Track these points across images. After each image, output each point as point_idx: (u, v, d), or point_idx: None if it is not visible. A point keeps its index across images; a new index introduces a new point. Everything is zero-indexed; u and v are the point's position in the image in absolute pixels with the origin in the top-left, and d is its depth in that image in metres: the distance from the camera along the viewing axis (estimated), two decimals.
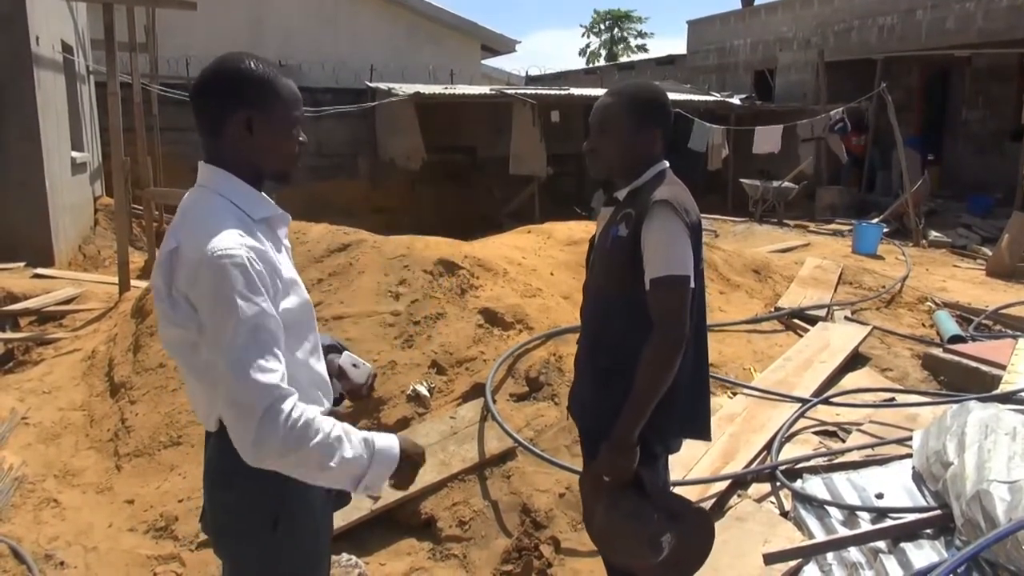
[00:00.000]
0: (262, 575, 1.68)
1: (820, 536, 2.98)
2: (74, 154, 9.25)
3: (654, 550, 2.00)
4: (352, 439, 1.53)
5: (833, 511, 3.12)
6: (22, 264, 7.14)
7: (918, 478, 3.16)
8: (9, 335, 5.36)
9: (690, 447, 2.55)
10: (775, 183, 12.89)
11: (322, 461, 1.49)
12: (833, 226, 12.17)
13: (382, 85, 13.96)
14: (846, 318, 5.69)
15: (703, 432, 2.23)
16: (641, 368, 1.97)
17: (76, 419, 4.05)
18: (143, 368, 4.30)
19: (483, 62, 19.22)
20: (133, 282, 6.51)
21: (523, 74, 22.83)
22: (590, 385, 2.21)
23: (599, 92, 15.62)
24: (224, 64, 1.60)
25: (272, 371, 1.46)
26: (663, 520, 2.03)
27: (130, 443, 3.82)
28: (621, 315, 2.09)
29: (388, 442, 1.59)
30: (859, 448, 3.70)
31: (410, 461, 1.62)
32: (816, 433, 3.95)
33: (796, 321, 5.54)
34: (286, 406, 1.46)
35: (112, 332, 5.12)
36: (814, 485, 3.34)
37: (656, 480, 2.12)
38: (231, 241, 1.48)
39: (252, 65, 1.60)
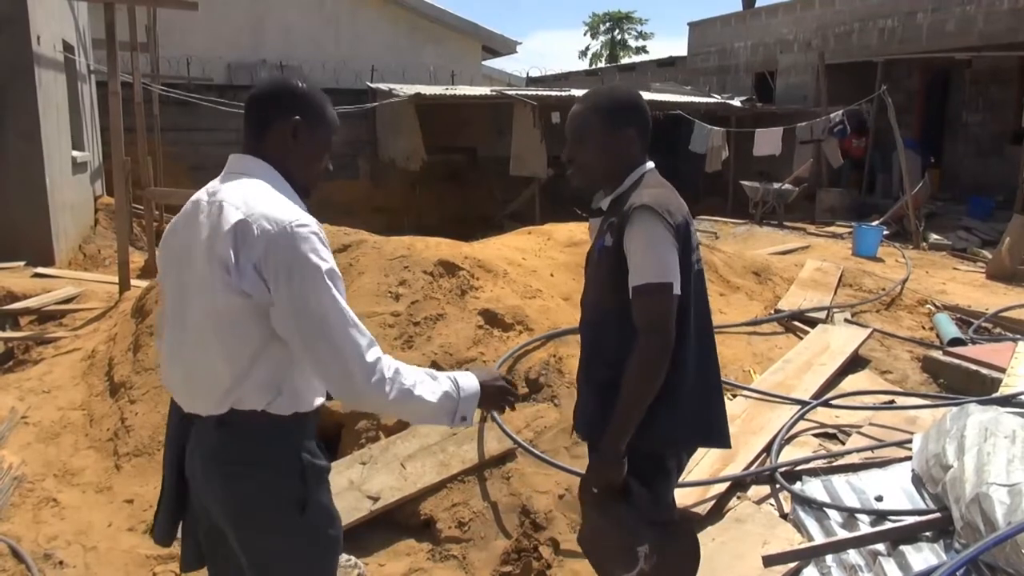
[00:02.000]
0: (290, 562, 1.69)
1: (819, 538, 2.98)
2: (75, 153, 9.26)
3: (632, 561, 1.98)
4: (440, 378, 1.72)
5: (832, 513, 3.11)
6: (22, 263, 7.14)
7: (917, 481, 3.16)
8: (9, 334, 5.36)
9: None
10: (775, 185, 12.90)
11: (427, 395, 1.67)
12: (833, 228, 12.17)
13: (383, 86, 13.97)
14: (846, 320, 5.69)
15: (719, 439, 2.16)
16: (625, 378, 1.94)
17: (76, 418, 4.05)
18: (143, 368, 4.30)
19: (484, 63, 19.24)
20: (133, 281, 6.51)
21: (524, 75, 22.86)
22: (591, 400, 2.16)
23: None
24: (283, 79, 1.81)
25: (359, 322, 1.64)
26: (647, 533, 1.99)
27: (130, 442, 3.82)
28: (614, 327, 2.05)
29: (468, 380, 1.77)
30: (859, 451, 3.70)
31: (490, 389, 1.80)
32: (816, 435, 3.95)
33: (796, 323, 5.54)
34: (379, 350, 1.64)
35: (112, 332, 5.12)
36: (813, 487, 3.34)
37: (646, 493, 2.05)
38: (303, 214, 1.63)
39: (307, 86, 1.80)
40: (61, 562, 3.05)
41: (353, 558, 2.94)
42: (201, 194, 1.75)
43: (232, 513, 1.69)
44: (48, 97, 7.99)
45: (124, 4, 7.88)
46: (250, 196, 1.64)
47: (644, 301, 1.93)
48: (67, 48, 9.36)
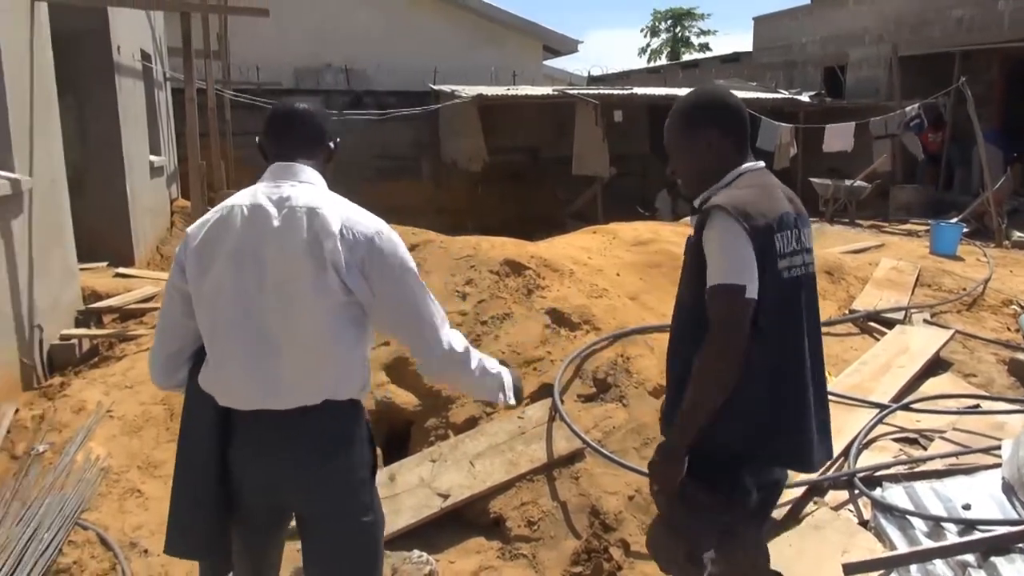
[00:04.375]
0: (372, 519, 1.94)
1: (902, 547, 2.88)
2: (152, 158, 9.60)
3: (694, 566, 1.95)
4: (491, 359, 2.07)
5: (916, 522, 3.00)
6: (105, 264, 7.44)
7: (1008, 489, 3.02)
8: (94, 331, 5.59)
9: None
10: (847, 182, 12.51)
11: (493, 369, 2.02)
12: (908, 226, 11.72)
13: (445, 87, 14.08)
14: (925, 321, 5.48)
15: (796, 462, 2.06)
16: (691, 376, 1.91)
17: (157, 413, 4.19)
18: None
19: (545, 63, 19.21)
20: None
21: (585, 74, 22.72)
22: (668, 393, 2.15)
23: (662, 91, 15.41)
24: (318, 107, 2.05)
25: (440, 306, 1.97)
26: (709, 540, 1.95)
27: None
28: (691, 322, 2.02)
29: (506, 370, 2.11)
30: (942, 456, 3.56)
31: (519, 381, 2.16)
32: (896, 440, 3.82)
33: (872, 324, 5.37)
34: (456, 330, 1.98)
35: None
36: (895, 494, 3.22)
37: (709, 498, 1.98)
38: (382, 220, 1.88)
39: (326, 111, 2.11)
40: (146, 551, 3.16)
41: (424, 554, 2.97)
42: (259, 198, 1.83)
43: (327, 488, 1.86)
44: (128, 104, 8.30)
45: (199, 12, 8.14)
46: (336, 203, 1.84)
47: (715, 302, 1.89)
48: (145, 57, 9.71)
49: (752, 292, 1.87)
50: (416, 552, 2.97)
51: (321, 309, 1.77)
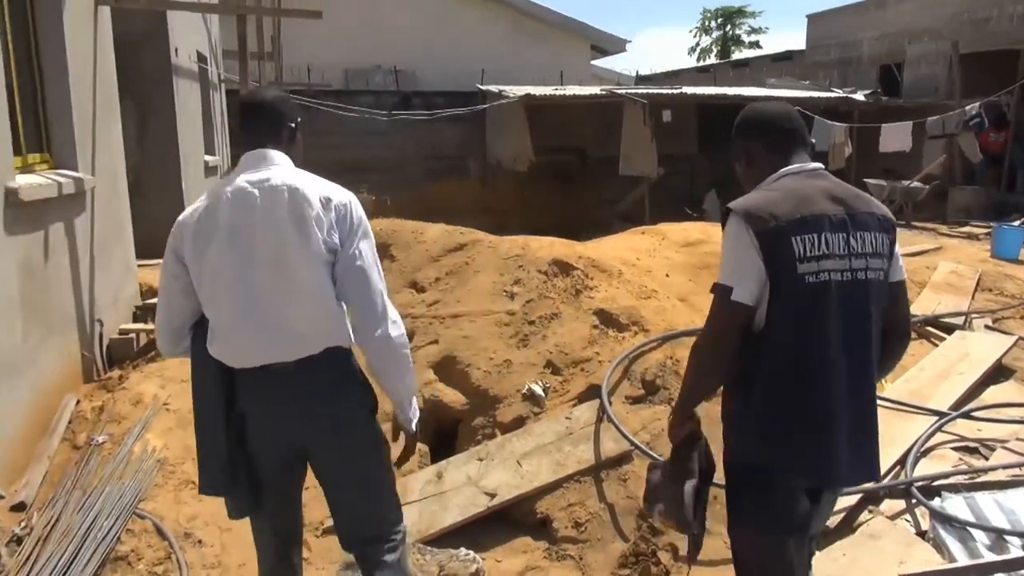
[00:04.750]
0: (380, 451, 2.16)
1: (963, 560, 2.79)
2: (207, 158, 9.82)
3: (646, 508, 2.25)
4: None
5: (978, 534, 2.90)
6: (161, 261, 7.64)
7: None
8: (151, 326, 5.74)
9: None
10: (903, 183, 12.18)
11: (412, 368, 2.15)
12: (968, 229, 11.36)
13: (492, 87, 14.11)
14: (986, 327, 5.30)
15: (817, 475, 1.94)
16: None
17: None
18: None
19: (592, 63, 19.12)
20: None
21: (633, 74, 22.54)
22: (723, 397, 2.12)
23: (712, 91, 15.21)
24: (277, 90, 2.28)
25: None
26: (670, 497, 2.07)
27: None
28: None
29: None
30: (1005, 467, 3.44)
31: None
32: (955, 449, 3.70)
33: (930, 329, 5.21)
34: None
35: None
36: (954, 504, 3.13)
37: (691, 466, 2.07)
38: (347, 190, 2.10)
39: (287, 93, 2.32)
40: (200, 541, 3.23)
41: (471, 552, 2.98)
42: (240, 183, 2.01)
43: (336, 423, 2.06)
44: (184, 105, 8.50)
45: (254, 15, 8.29)
46: (309, 177, 2.05)
47: (712, 301, 1.93)
48: (200, 59, 9.94)
49: (741, 295, 1.84)
50: (463, 550, 2.98)
51: (309, 269, 1.96)
